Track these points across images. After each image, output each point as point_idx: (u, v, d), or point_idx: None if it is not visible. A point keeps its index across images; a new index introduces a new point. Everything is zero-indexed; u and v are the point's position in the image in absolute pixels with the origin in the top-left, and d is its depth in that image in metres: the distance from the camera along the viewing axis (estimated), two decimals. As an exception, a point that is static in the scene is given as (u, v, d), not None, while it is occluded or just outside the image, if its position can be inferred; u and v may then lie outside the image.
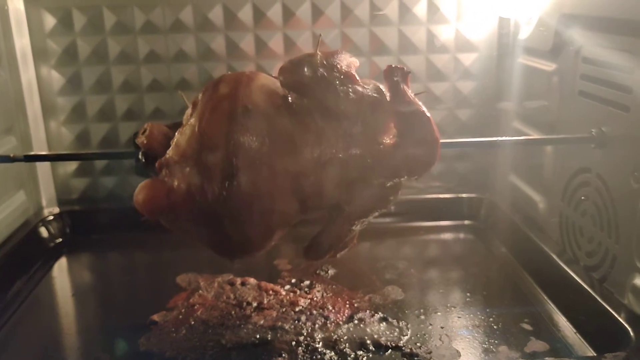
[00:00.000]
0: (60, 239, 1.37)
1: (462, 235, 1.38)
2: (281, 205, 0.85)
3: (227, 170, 0.80)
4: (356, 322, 1.01)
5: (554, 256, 1.11)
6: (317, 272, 1.19)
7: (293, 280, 1.15)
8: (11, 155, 0.95)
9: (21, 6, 1.30)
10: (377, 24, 1.36)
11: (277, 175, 0.82)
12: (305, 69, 0.85)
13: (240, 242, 0.86)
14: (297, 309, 1.04)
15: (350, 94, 0.86)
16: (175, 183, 0.83)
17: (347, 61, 0.89)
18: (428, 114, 0.88)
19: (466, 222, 1.42)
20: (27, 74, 1.33)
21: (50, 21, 1.32)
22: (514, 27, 1.32)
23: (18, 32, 1.30)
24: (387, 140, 0.87)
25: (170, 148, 0.85)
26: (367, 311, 1.04)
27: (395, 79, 0.88)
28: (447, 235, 1.39)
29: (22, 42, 1.31)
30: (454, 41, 1.39)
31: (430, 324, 1.00)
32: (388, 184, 0.89)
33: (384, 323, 1.00)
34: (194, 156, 0.82)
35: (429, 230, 1.40)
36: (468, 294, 1.10)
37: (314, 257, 0.94)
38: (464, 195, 1.45)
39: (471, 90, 1.42)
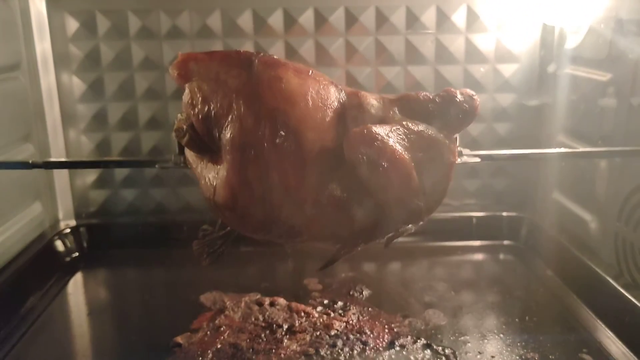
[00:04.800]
0: (77, 254, 1.30)
1: (501, 256, 1.30)
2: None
3: None
4: (397, 348, 0.92)
5: (610, 280, 1.02)
6: (351, 292, 1.11)
7: (325, 302, 1.07)
8: (30, 161, 0.88)
9: (43, 9, 1.25)
10: (413, 32, 1.30)
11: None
12: None
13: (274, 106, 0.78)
14: (332, 333, 0.96)
15: None
16: None
17: None
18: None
19: (505, 242, 1.34)
20: (48, 79, 1.27)
21: (73, 25, 1.27)
22: (559, 35, 1.25)
23: (39, 36, 1.25)
24: None
25: None
26: (409, 337, 0.95)
27: None
28: (486, 256, 1.31)
29: (43, 46, 1.26)
30: (493, 51, 1.32)
31: (480, 352, 0.91)
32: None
33: (429, 350, 0.92)
34: None
35: (465, 250, 1.32)
36: (517, 320, 1.01)
37: None
38: (503, 213, 1.37)
39: (511, 102, 1.35)
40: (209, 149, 0.83)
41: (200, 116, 0.81)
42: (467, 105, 0.86)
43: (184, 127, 0.84)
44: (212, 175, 0.81)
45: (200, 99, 0.81)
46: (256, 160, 0.77)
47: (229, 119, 0.79)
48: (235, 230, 0.91)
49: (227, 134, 0.78)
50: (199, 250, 0.93)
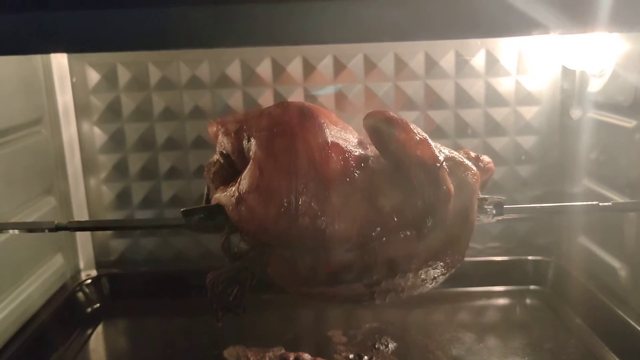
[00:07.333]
0: (98, 304, 1.29)
1: (528, 301, 1.27)
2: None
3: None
4: (428, 409, 0.90)
5: (643, 332, 1.00)
6: (376, 346, 1.09)
7: (351, 356, 1.05)
8: (55, 222, 0.88)
9: (65, 61, 1.26)
10: (432, 76, 1.29)
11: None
12: None
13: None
14: (359, 393, 0.94)
15: None
16: None
17: None
18: None
19: (531, 287, 1.31)
20: (69, 131, 1.28)
21: (94, 77, 1.28)
22: (580, 79, 1.24)
23: (61, 88, 1.26)
24: None
25: None
26: (439, 396, 0.93)
27: None
28: (512, 302, 1.28)
29: (64, 98, 1.27)
30: (514, 94, 1.31)
31: (513, 414, 0.89)
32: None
33: (460, 411, 0.90)
34: None
35: (490, 295, 1.30)
36: (548, 376, 0.99)
37: None
38: (528, 257, 1.34)
39: (533, 145, 1.33)
40: (236, 175, 0.86)
41: (234, 134, 0.89)
42: (481, 164, 0.89)
43: (216, 158, 0.93)
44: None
45: (235, 123, 0.90)
46: (283, 133, 0.82)
47: (260, 118, 0.86)
48: (253, 262, 0.89)
49: (257, 128, 0.85)
50: (213, 283, 0.90)
